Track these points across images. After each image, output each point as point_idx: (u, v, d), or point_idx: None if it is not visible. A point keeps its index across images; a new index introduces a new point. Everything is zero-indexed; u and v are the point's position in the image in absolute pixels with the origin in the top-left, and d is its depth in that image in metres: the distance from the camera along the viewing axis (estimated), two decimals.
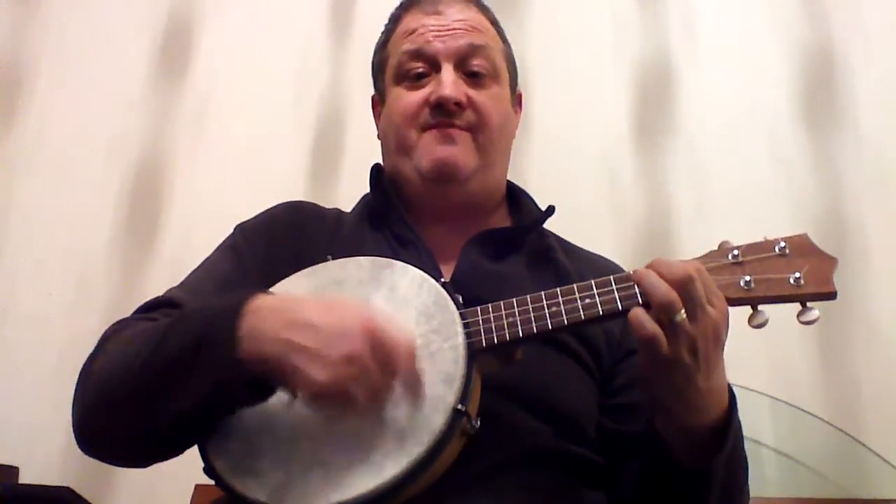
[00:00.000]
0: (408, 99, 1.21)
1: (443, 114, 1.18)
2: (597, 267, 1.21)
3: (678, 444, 0.95)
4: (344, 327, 0.86)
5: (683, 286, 0.87)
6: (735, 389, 0.96)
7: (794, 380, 1.94)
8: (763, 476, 1.81)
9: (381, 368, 0.86)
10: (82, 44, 2.54)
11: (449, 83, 1.18)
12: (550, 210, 1.24)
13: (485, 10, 1.30)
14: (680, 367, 0.87)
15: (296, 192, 2.19)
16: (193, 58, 2.51)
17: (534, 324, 0.93)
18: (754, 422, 1.84)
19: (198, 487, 1.67)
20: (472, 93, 1.20)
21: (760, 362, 1.93)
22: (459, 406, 0.88)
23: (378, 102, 1.32)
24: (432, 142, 1.18)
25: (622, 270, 1.05)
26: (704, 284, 0.88)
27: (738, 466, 0.99)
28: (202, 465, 0.92)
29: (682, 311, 0.86)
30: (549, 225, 1.27)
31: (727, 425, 0.94)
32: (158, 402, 0.91)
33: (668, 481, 0.97)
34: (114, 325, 1.06)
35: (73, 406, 1.00)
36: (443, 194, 1.20)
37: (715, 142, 2.19)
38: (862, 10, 2.24)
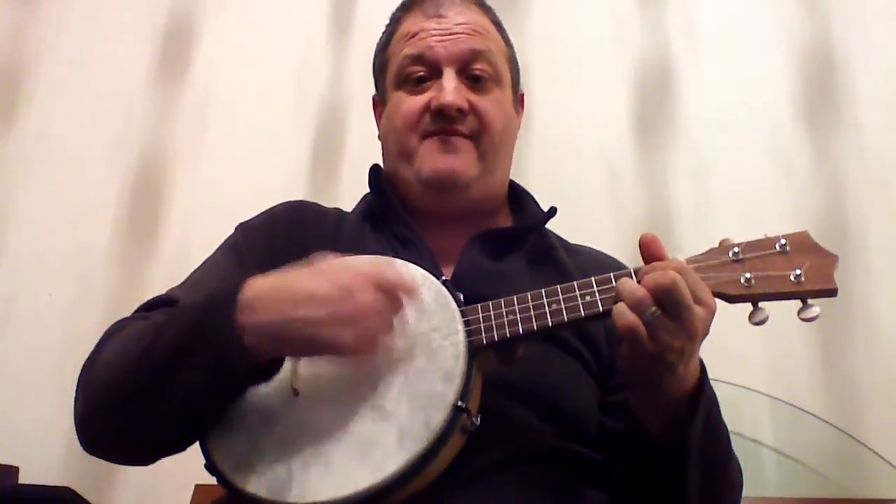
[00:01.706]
0: (409, 105, 1.21)
1: (444, 120, 1.18)
2: (599, 263, 1.21)
3: (654, 420, 0.95)
4: (343, 285, 0.89)
5: (666, 292, 0.87)
6: (735, 389, 0.96)
7: (794, 380, 1.93)
8: (763, 476, 1.81)
9: (392, 299, 0.91)
10: (82, 44, 2.55)
11: (450, 89, 1.18)
12: (553, 211, 1.24)
13: (487, 11, 1.30)
14: (663, 364, 0.88)
15: (296, 191, 2.19)
16: (193, 58, 2.51)
17: (534, 321, 0.93)
18: (754, 422, 1.84)
19: (198, 487, 1.67)
20: (473, 98, 1.20)
21: (760, 362, 1.93)
22: (459, 403, 0.88)
23: (379, 103, 1.32)
24: (433, 150, 1.18)
25: (625, 266, 1.05)
26: (690, 283, 0.88)
27: (715, 436, 0.98)
28: (203, 462, 0.93)
29: (653, 307, 0.87)
30: (549, 224, 1.26)
31: (698, 394, 0.94)
32: (158, 393, 0.91)
33: (647, 457, 0.97)
34: (114, 324, 1.06)
35: (74, 405, 1.00)
36: (444, 201, 1.21)
37: (715, 142, 2.19)
38: (862, 9, 2.24)
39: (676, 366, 0.89)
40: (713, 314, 0.90)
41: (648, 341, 0.87)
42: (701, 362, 0.96)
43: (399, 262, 1.02)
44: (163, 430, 0.95)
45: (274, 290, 0.91)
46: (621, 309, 0.88)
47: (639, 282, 0.90)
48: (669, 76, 2.28)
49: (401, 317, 0.94)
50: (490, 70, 1.22)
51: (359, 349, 0.90)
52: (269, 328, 0.88)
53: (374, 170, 1.27)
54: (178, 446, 0.98)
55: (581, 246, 1.30)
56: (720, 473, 1.00)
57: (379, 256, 1.04)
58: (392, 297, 0.92)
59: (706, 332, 0.90)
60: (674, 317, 0.87)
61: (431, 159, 1.18)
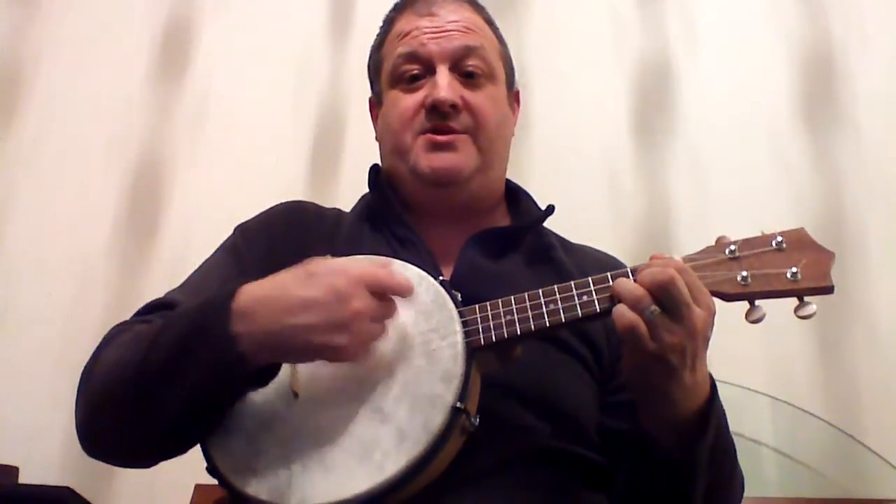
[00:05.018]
0: (404, 103, 1.21)
1: (438, 116, 1.18)
2: (598, 262, 1.21)
3: (662, 436, 0.95)
4: (336, 289, 0.89)
5: (664, 289, 0.87)
6: (735, 389, 0.95)
7: (794, 380, 1.94)
8: (763, 476, 1.81)
9: (386, 302, 0.92)
10: (82, 44, 2.54)
11: (444, 86, 1.17)
12: (550, 209, 1.24)
13: (479, 10, 1.30)
14: (666, 366, 0.88)
15: (295, 191, 2.18)
16: (193, 57, 2.51)
17: (531, 322, 0.93)
18: (754, 422, 1.84)
19: (198, 487, 1.67)
20: (467, 94, 1.20)
21: (760, 362, 1.93)
22: (458, 404, 0.88)
23: (375, 105, 1.32)
24: (428, 147, 1.18)
25: (624, 265, 1.05)
26: (689, 283, 0.88)
27: (723, 453, 0.98)
28: (203, 464, 0.93)
29: (653, 306, 0.87)
30: (549, 224, 1.26)
31: (708, 411, 0.94)
32: (155, 402, 0.91)
33: (653, 472, 0.97)
34: (113, 328, 1.06)
35: (75, 409, 1.00)
36: (442, 197, 1.21)
37: (715, 142, 2.19)
38: (862, 9, 2.24)
39: (680, 371, 0.88)
40: (713, 315, 0.90)
41: (650, 341, 0.87)
42: (711, 378, 0.96)
43: (397, 262, 1.02)
44: (162, 436, 0.95)
45: (267, 297, 0.90)
46: (621, 309, 0.88)
47: (635, 280, 0.90)
48: (669, 76, 2.28)
49: (397, 318, 0.94)
50: (483, 66, 1.22)
51: (353, 354, 0.90)
52: (263, 336, 0.88)
53: (374, 170, 1.28)
54: (179, 450, 0.98)
55: (581, 245, 1.29)
56: (725, 488, 1.01)
57: (376, 257, 1.04)
58: (385, 299, 0.92)
59: (708, 335, 0.90)
60: (673, 315, 0.87)
61: (427, 157, 1.18)
